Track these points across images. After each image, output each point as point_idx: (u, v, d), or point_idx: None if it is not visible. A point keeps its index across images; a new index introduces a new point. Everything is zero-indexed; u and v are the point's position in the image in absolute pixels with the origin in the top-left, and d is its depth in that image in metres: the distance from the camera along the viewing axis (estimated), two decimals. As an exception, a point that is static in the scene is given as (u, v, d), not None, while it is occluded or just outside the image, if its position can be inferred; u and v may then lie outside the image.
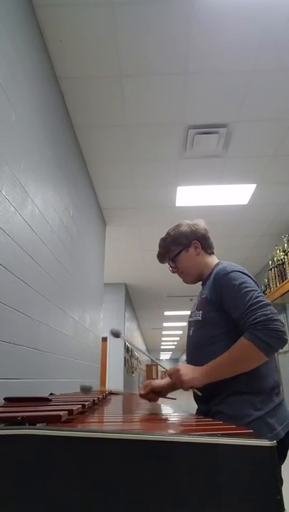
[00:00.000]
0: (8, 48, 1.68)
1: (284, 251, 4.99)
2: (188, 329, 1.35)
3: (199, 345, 1.24)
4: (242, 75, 2.53)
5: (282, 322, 1.05)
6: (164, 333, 15.35)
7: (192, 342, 1.30)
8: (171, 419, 1.00)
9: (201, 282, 1.40)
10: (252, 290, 1.12)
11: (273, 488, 0.49)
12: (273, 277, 5.38)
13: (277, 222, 4.89)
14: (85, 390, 1.44)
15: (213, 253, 1.42)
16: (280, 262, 5.11)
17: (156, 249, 1.47)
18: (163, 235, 1.46)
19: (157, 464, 0.52)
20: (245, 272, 1.22)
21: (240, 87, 2.62)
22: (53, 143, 2.37)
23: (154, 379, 1.61)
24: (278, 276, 5.21)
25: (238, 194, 4.11)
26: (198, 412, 1.21)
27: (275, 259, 5.26)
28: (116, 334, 1.57)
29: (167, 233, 1.42)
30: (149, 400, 1.39)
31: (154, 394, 1.37)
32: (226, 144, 3.22)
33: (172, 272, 1.44)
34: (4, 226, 1.57)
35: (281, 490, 0.49)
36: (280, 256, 5.13)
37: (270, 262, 5.47)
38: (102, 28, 2.17)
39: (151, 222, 4.76)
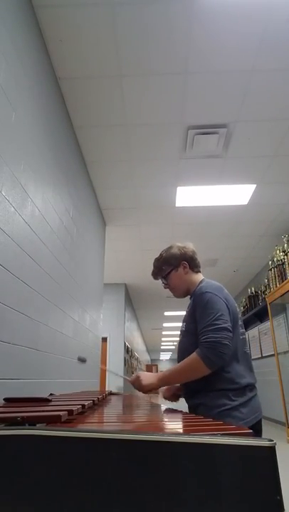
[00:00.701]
0: (8, 48, 1.68)
1: (284, 251, 5.00)
2: (179, 337, 1.57)
3: (185, 352, 1.41)
4: (242, 75, 2.53)
5: (226, 344, 1.25)
6: (164, 333, 15.35)
7: (180, 348, 1.50)
8: (171, 419, 1.00)
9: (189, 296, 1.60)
10: (214, 313, 1.31)
11: (273, 488, 0.49)
12: (273, 277, 5.38)
13: (277, 222, 4.89)
14: (81, 360, 1.78)
15: (200, 271, 1.60)
16: (280, 262, 5.12)
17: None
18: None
19: (157, 464, 0.52)
20: (219, 293, 1.39)
21: (240, 87, 2.62)
22: (53, 143, 2.37)
23: None
24: (278, 276, 5.21)
25: (238, 194, 4.11)
26: (189, 407, 1.41)
27: (275, 259, 5.27)
28: (82, 360, 1.84)
29: (160, 254, 1.62)
30: (171, 400, 1.59)
31: (175, 396, 1.58)
32: (226, 144, 3.22)
33: (164, 287, 1.65)
34: (4, 226, 1.57)
35: (281, 490, 0.49)
36: (280, 256, 5.13)
37: (270, 262, 5.48)
38: (102, 28, 2.17)
39: (151, 222, 4.76)
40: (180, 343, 1.52)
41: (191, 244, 1.62)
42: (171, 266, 1.57)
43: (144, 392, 1.39)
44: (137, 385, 1.39)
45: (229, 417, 1.24)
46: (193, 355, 1.28)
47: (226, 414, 1.24)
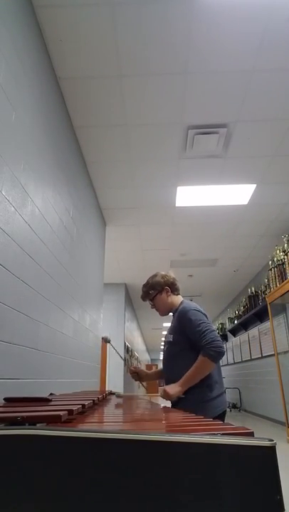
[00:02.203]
0: (8, 47, 1.68)
1: (284, 251, 5.00)
2: (164, 346, 1.96)
3: (171, 357, 1.84)
4: (242, 75, 2.53)
5: (220, 340, 1.67)
6: (164, 333, 15.35)
7: (167, 355, 1.89)
8: (170, 418, 1.00)
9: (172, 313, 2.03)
10: (203, 322, 1.73)
11: (273, 488, 0.49)
12: (273, 277, 5.38)
13: (277, 222, 4.89)
14: (106, 340, 2.43)
15: (179, 293, 2.02)
16: (280, 262, 5.11)
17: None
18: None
19: (157, 464, 0.52)
20: (198, 308, 1.82)
21: (240, 87, 2.62)
22: (53, 143, 2.37)
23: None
24: (278, 276, 5.21)
25: (238, 194, 4.11)
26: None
27: (275, 259, 5.27)
28: (107, 340, 2.41)
29: (147, 281, 2.03)
30: (132, 377, 2.06)
31: (136, 374, 2.04)
32: (225, 144, 3.22)
33: (152, 308, 2.05)
34: (4, 226, 1.57)
35: (281, 490, 0.49)
36: (280, 256, 5.13)
37: (270, 262, 5.48)
38: (102, 28, 2.17)
39: (151, 222, 4.76)
40: (166, 350, 1.88)
41: (172, 273, 2.06)
42: (156, 291, 1.98)
43: (174, 399, 1.71)
44: (166, 395, 1.71)
45: (205, 408, 1.61)
46: (201, 357, 1.65)
47: (204, 406, 1.62)
